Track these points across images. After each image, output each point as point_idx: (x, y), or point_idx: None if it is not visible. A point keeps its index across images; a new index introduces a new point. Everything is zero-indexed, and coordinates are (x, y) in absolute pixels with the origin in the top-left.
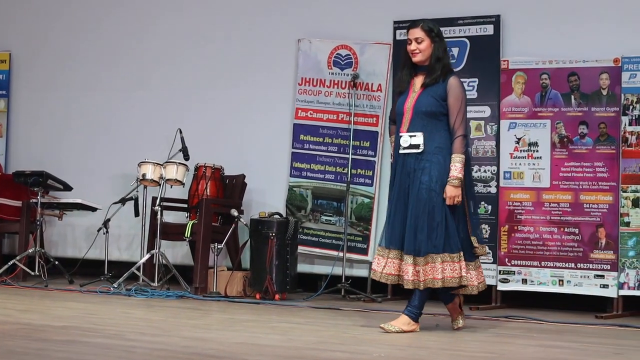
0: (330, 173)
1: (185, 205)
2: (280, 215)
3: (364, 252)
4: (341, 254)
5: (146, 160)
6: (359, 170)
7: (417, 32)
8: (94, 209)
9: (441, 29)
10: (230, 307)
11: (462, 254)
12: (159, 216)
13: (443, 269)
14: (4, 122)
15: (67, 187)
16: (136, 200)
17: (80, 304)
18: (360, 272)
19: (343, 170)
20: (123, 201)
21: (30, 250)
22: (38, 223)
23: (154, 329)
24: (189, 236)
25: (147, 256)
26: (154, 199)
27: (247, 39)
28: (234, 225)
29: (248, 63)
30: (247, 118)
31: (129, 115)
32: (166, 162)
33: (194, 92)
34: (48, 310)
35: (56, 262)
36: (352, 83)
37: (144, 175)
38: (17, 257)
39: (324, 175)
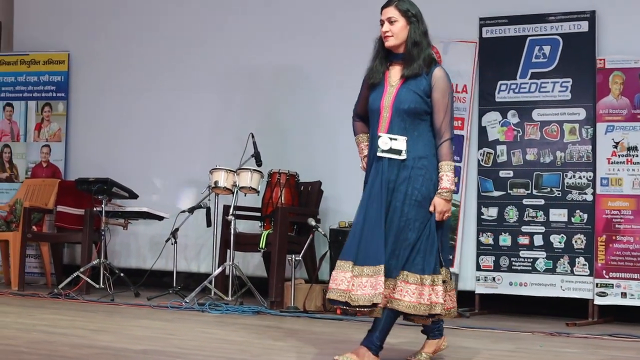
0: None
1: (259, 214)
2: None
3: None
4: None
5: (218, 167)
6: None
7: (390, 11)
8: (160, 218)
9: (532, 26)
10: (311, 324)
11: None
12: (232, 226)
13: (421, 293)
14: (63, 126)
15: (133, 195)
16: (208, 209)
17: (153, 321)
18: None
19: None
20: (192, 210)
21: (94, 262)
22: (102, 233)
23: (241, 353)
24: (263, 247)
25: (220, 269)
26: (226, 207)
27: (323, 42)
28: (311, 235)
29: (324, 63)
30: (319, 122)
31: (196, 118)
32: (239, 168)
33: (264, 94)
34: (122, 329)
35: (121, 274)
36: None
37: (216, 182)
38: (81, 269)
39: None
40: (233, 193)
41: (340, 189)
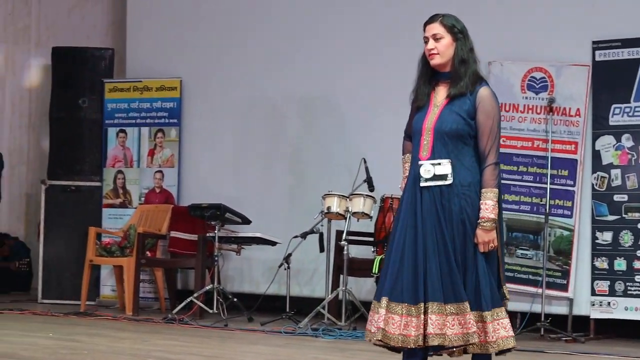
0: (525, 204)
1: (371, 239)
2: None
3: (564, 288)
4: (539, 291)
5: (331, 193)
6: (557, 201)
7: (435, 28)
8: (273, 243)
9: None
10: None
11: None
12: (345, 251)
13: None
14: (176, 152)
15: (246, 221)
16: (321, 234)
17: (267, 347)
18: (560, 309)
19: (540, 200)
20: (305, 235)
21: (208, 287)
22: (216, 258)
23: None
24: (376, 272)
25: (333, 294)
26: (338, 232)
27: None
28: None
29: None
30: None
31: (308, 143)
32: (352, 194)
33: (375, 118)
34: (236, 355)
35: (235, 299)
36: (548, 108)
37: (328, 208)
38: (195, 294)
39: (519, 207)
40: (346, 218)
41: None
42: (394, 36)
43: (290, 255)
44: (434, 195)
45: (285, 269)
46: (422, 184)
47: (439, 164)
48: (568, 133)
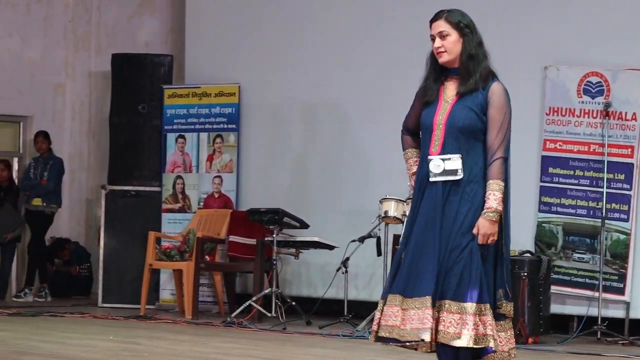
0: (582, 208)
1: None
2: (531, 253)
3: (621, 291)
4: (596, 294)
5: (388, 197)
6: (613, 205)
7: (441, 25)
8: (331, 247)
9: None
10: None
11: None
12: None
13: (464, 323)
14: (234, 157)
15: (304, 225)
16: (378, 238)
17: (325, 349)
18: (616, 312)
19: (596, 204)
20: (363, 239)
21: (266, 291)
22: (274, 262)
23: None
24: None
25: None
26: (396, 236)
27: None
28: None
29: None
30: None
31: (369, 147)
32: (409, 198)
33: None
34: (295, 358)
35: (293, 303)
36: (604, 112)
37: (386, 212)
38: (253, 298)
39: (576, 210)
40: (403, 222)
41: (510, 218)
42: None
43: (348, 259)
44: (443, 192)
45: (343, 273)
46: (431, 179)
47: (449, 159)
48: (624, 137)
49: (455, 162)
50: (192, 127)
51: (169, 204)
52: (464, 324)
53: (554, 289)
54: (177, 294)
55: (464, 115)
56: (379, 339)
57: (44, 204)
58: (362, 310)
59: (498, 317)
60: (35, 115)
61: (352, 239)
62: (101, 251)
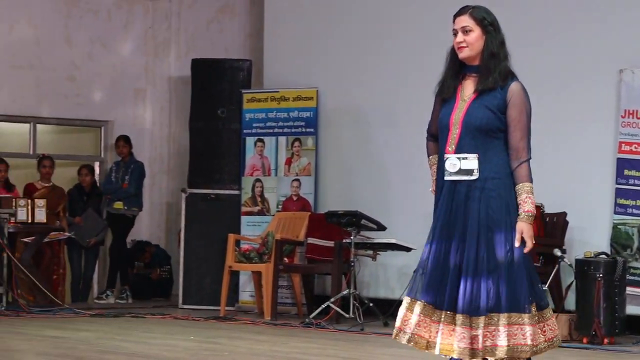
0: None
1: None
2: (607, 254)
3: None
4: None
5: None
6: None
7: (465, 20)
8: (408, 249)
9: None
10: (559, 352)
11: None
12: None
13: (509, 334)
14: (313, 160)
15: (381, 227)
16: None
17: (401, 349)
18: None
19: None
20: None
21: (344, 292)
22: (352, 264)
23: None
24: None
25: None
26: None
27: (564, 71)
28: (557, 265)
29: (565, 95)
30: (565, 152)
31: None
32: None
33: None
34: (372, 357)
35: (371, 304)
36: None
37: None
38: (332, 299)
39: None
40: None
41: (586, 220)
42: None
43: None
44: (464, 188)
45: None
46: (446, 177)
47: (465, 158)
48: None
49: (471, 161)
50: (271, 130)
51: (248, 207)
52: (512, 335)
53: (629, 290)
54: (256, 295)
55: (481, 114)
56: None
57: (125, 208)
58: None
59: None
60: (117, 120)
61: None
62: (181, 253)
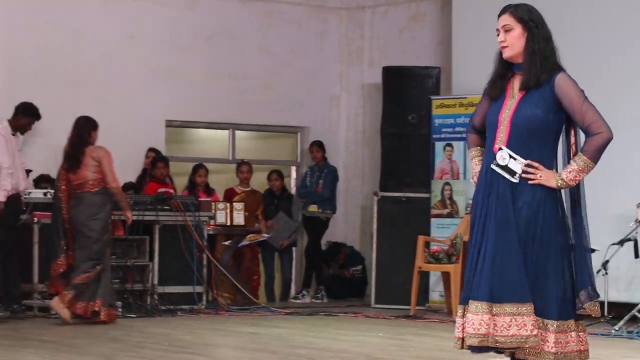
0: None
1: None
2: None
3: None
4: None
5: None
6: None
7: (505, 19)
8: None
9: None
10: None
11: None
12: None
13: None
14: None
15: None
16: (635, 241)
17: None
18: None
19: None
20: (622, 242)
21: None
22: None
23: None
24: None
25: None
26: None
27: None
28: None
29: None
30: None
31: (621, 152)
32: None
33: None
34: None
35: None
36: None
37: None
38: None
39: None
40: None
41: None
42: None
43: (607, 261)
44: (506, 186)
45: (603, 275)
46: (492, 166)
47: (516, 159)
48: None
49: (518, 165)
50: (459, 135)
51: (437, 210)
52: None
53: None
54: (445, 295)
55: (529, 112)
56: (472, 348)
57: (320, 210)
58: (623, 311)
59: (578, 317)
60: (312, 126)
61: (612, 242)
62: (374, 255)
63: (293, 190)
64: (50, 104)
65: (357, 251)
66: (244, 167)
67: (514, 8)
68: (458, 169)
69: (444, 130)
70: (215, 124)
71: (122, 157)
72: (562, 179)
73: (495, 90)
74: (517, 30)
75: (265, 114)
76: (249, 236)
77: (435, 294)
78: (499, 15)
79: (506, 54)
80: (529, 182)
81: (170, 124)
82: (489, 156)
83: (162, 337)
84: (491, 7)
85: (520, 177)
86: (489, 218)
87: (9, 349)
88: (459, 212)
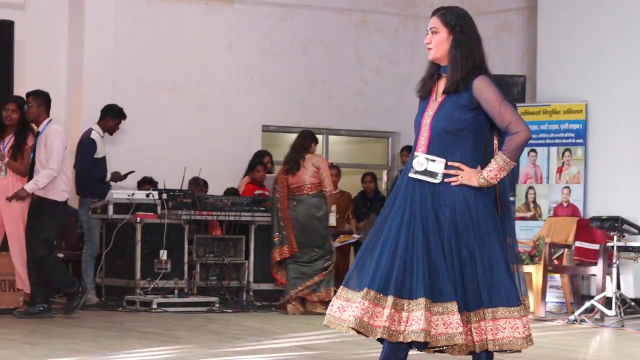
0: None
1: None
2: None
3: None
4: None
5: None
6: None
7: (433, 22)
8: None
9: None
10: None
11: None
12: None
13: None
14: (582, 169)
15: None
16: None
17: None
18: None
19: None
20: None
21: (607, 292)
22: (614, 265)
23: None
24: None
25: None
26: None
27: None
28: None
29: None
30: None
31: None
32: None
33: None
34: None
35: (632, 303)
36: None
37: None
38: (595, 298)
39: None
40: None
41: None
42: None
43: None
44: (427, 192)
45: None
46: (410, 175)
47: (434, 160)
48: None
49: (438, 165)
50: (543, 141)
51: (521, 212)
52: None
53: None
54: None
55: (447, 115)
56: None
57: None
58: None
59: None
60: (402, 131)
61: None
62: None
63: (384, 193)
64: (151, 110)
65: None
66: (333, 171)
67: (443, 12)
68: (541, 173)
69: None
70: (309, 129)
71: (221, 162)
72: (484, 178)
73: (423, 90)
74: (442, 34)
75: (357, 120)
76: (340, 237)
77: None
78: (431, 16)
79: (430, 56)
80: (452, 183)
81: (266, 129)
82: (411, 159)
83: (256, 330)
84: (575, 18)
85: (444, 175)
86: (406, 216)
87: (115, 338)
88: (542, 215)
